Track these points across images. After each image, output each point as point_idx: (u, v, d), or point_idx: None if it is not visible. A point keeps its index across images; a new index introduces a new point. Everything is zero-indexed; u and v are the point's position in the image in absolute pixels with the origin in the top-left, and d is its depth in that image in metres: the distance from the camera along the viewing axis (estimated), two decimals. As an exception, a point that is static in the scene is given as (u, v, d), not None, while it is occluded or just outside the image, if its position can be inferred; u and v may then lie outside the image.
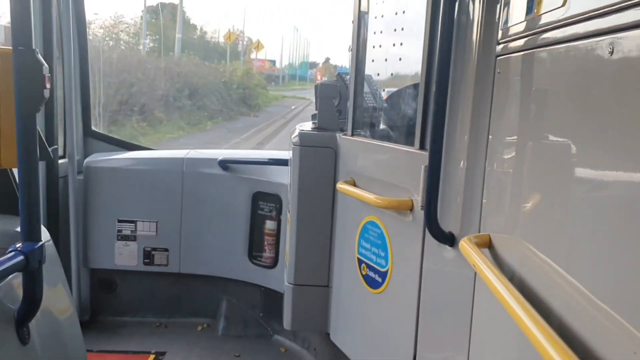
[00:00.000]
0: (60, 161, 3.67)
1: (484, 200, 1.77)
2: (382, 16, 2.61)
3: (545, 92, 1.37)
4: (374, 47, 2.61)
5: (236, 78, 25.36)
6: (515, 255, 1.47)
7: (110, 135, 4.14)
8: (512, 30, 1.58)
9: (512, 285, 1.30)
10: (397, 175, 2.34)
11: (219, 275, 3.76)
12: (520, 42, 1.50)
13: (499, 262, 1.55)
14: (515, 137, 1.53)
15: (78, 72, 3.86)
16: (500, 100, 1.66)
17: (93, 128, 4.05)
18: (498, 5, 1.74)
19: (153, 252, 3.78)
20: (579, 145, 1.16)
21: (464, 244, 1.56)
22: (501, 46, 1.67)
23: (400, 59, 2.44)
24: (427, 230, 2.04)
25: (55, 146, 3.55)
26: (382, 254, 2.41)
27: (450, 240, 1.96)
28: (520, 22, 1.50)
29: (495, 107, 1.70)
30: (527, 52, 1.45)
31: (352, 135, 2.75)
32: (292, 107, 29.08)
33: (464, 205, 1.89)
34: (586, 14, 1.13)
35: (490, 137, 1.73)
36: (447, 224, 1.98)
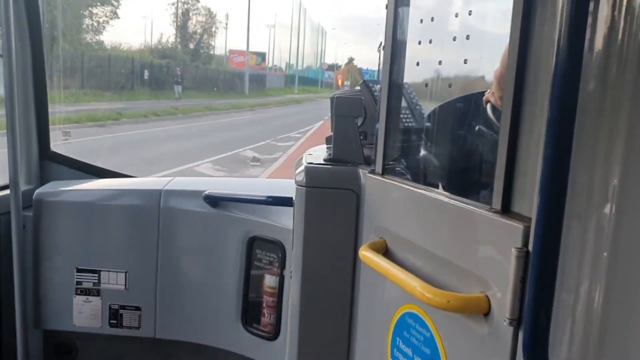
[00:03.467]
0: (1, 193, 2.85)
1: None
2: (432, 20, 1.72)
3: None
4: (419, 42, 1.71)
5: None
6: None
7: (73, 157, 3.29)
8: None
9: None
10: (459, 250, 1.44)
11: (204, 343, 2.89)
12: None
13: None
14: None
15: (30, 77, 3.04)
16: None
17: (52, 149, 3.22)
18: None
19: (121, 311, 2.93)
20: None
21: None
22: None
23: (465, 62, 1.53)
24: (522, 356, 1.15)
25: (-10, 175, 2.72)
26: (433, 371, 1.51)
27: None
28: None
29: None
30: None
31: (384, 174, 1.84)
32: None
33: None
34: None
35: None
36: (562, 349, 1.08)
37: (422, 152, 2.06)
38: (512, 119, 1.25)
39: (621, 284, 0.96)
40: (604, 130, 0.97)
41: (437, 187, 1.83)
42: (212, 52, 62.31)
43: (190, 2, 60.43)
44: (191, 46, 57.01)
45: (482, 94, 1.85)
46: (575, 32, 0.97)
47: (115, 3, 44.36)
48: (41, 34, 3.06)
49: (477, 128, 1.92)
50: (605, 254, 0.96)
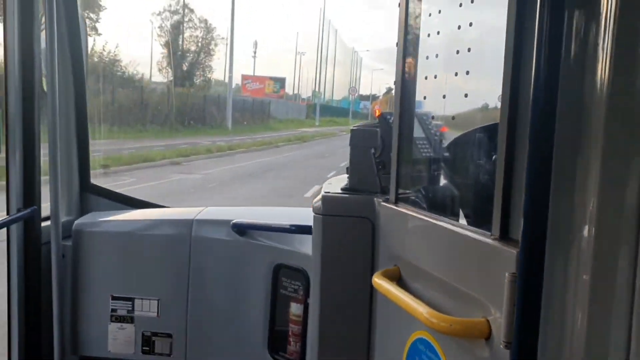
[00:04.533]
0: (43, 224, 3.01)
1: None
2: (438, 33, 1.80)
3: None
4: (426, 78, 1.79)
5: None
6: None
7: (113, 190, 3.45)
8: None
9: None
10: (464, 275, 1.49)
11: None
12: None
13: None
14: None
15: (72, 113, 3.22)
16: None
17: (92, 182, 3.39)
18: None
19: (154, 338, 3.03)
20: None
21: None
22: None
23: (466, 96, 1.60)
24: None
25: (34, 207, 2.88)
26: (441, 395, 1.55)
27: None
28: None
29: None
30: None
31: (397, 202, 1.91)
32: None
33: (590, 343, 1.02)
34: None
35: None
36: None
37: (440, 182, 2.11)
38: (508, 150, 1.30)
39: (602, 304, 0.99)
40: (580, 160, 1.02)
41: (456, 216, 1.88)
42: (208, 76, 50.77)
43: (180, 11, 47.45)
44: (184, 67, 46.40)
45: (497, 125, 1.90)
46: (549, 75, 1.04)
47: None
48: (84, 72, 3.24)
49: (493, 157, 1.97)
50: (585, 276, 1.00)
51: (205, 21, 49.92)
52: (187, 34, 47.29)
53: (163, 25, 45.35)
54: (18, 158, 2.81)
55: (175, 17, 47.37)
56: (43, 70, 2.91)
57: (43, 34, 2.88)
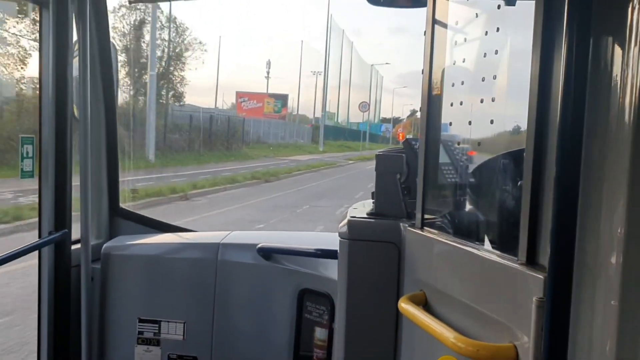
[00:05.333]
0: (73, 247, 3.07)
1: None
2: (464, 61, 1.83)
3: None
4: (452, 104, 1.81)
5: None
6: None
7: (140, 213, 3.51)
8: None
9: None
10: (490, 300, 1.49)
11: None
12: None
13: None
14: None
15: (103, 139, 3.30)
16: None
17: (121, 205, 3.46)
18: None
19: (179, 361, 3.05)
20: None
21: None
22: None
23: (492, 122, 1.62)
24: None
25: (66, 230, 2.94)
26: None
27: None
28: None
29: None
30: None
31: (422, 228, 1.92)
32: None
33: None
34: None
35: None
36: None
37: (466, 207, 2.12)
38: (534, 176, 1.31)
39: (631, 330, 0.99)
40: (607, 185, 1.03)
41: (481, 241, 1.88)
42: (178, 88, 38.30)
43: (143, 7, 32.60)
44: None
45: (524, 150, 1.91)
46: (576, 99, 1.05)
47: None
48: (114, 98, 3.33)
49: (519, 183, 1.97)
50: (613, 302, 1.00)
51: (175, 20, 38.41)
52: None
53: (116, 25, 32.17)
54: (50, 182, 2.88)
55: (136, 15, 33.62)
56: (74, 97, 2.99)
57: (75, 61, 2.97)
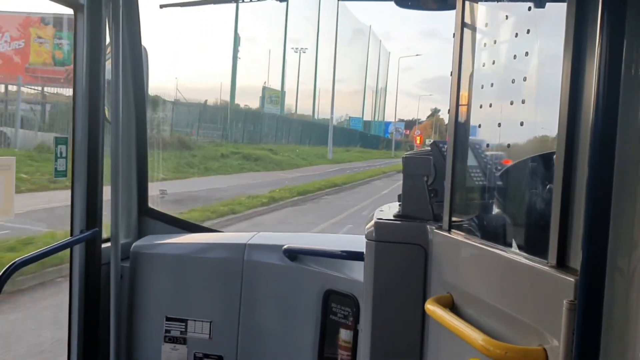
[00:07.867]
0: (103, 245, 3.13)
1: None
2: (494, 63, 1.83)
3: None
4: (481, 106, 1.81)
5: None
6: None
7: (168, 214, 3.56)
8: None
9: None
10: (519, 303, 1.49)
11: None
12: None
13: None
14: None
15: (134, 141, 3.36)
16: None
17: (150, 205, 3.51)
18: None
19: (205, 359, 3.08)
20: None
21: None
22: None
23: (522, 124, 1.61)
24: None
25: (96, 229, 3.01)
26: None
27: None
28: None
29: None
30: None
31: (450, 230, 1.92)
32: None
33: None
34: None
35: None
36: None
37: (493, 210, 2.11)
38: (565, 179, 1.31)
39: None
40: (640, 186, 1.03)
41: (509, 244, 1.87)
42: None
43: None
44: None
45: (553, 153, 1.91)
46: (609, 101, 1.05)
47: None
48: (145, 101, 3.39)
49: (547, 187, 1.96)
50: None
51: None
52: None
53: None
54: (82, 182, 2.94)
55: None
56: (106, 100, 3.05)
57: (107, 64, 3.03)
